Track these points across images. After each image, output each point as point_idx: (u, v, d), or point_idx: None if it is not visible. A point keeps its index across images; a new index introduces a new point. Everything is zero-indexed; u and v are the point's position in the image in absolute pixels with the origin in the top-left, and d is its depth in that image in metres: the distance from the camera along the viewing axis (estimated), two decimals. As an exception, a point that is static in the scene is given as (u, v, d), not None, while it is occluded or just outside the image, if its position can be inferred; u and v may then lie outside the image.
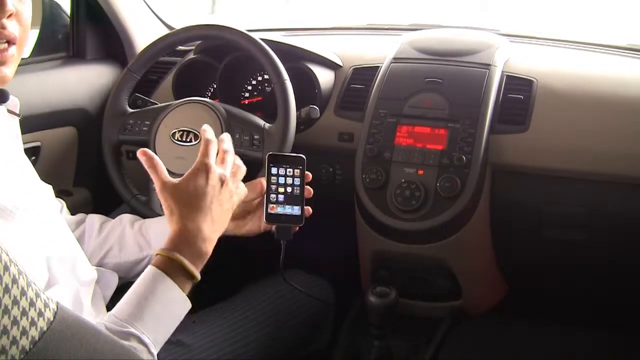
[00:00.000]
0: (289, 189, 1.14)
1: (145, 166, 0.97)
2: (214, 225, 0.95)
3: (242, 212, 1.17)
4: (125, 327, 0.84)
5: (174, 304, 0.90)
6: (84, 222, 1.18)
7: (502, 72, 1.42)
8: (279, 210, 1.13)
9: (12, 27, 0.88)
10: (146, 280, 0.89)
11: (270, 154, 1.15)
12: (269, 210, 1.13)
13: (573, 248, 1.41)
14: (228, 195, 0.98)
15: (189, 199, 0.94)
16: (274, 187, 1.13)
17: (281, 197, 1.13)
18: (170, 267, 0.90)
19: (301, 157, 1.15)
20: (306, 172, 1.15)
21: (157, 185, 0.96)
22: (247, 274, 1.34)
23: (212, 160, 0.97)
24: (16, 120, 0.99)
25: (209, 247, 0.94)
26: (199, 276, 0.92)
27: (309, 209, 1.15)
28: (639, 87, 1.40)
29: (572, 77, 1.44)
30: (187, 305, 0.92)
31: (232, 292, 1.28)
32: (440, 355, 1.32)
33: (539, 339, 1.32)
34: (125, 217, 1.20)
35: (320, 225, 1.26)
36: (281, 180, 1.14)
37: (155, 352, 0.86)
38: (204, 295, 1.25)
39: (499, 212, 1.39)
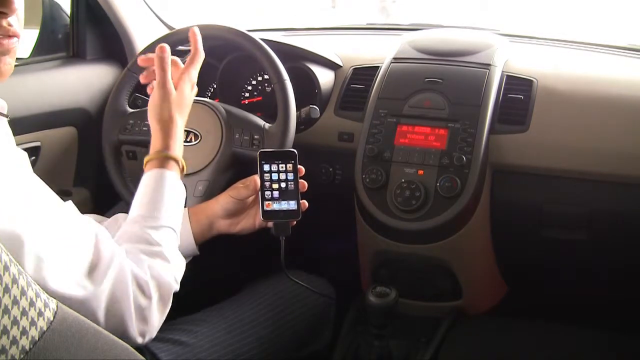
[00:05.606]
0: (283, 185, 1.13)
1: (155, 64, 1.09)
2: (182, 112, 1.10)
3: (237, 210, 1.17)
4: (157, 221, 0.95)
5: (180, 195, 1.03)
6: None
7: (502, 72, 1.42)
8: (275, 206, 1.13)
9: (15, 24, 0.90)
10: (153, 181, 1.00)
11: (260, 151, 1.15)
12: (265, 208, 1.13)
13: (573, 248, 1.41)
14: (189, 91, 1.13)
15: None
16: (267, 183, 1.13)
17: (276, 194, 1.13)
18: (166, 164, 1.02)
19: (292, 151, 1.15)
20: (299, 166, 1.15)
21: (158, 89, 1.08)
22: (247, 274, 1.34)
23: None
24: (4, 121, 1.00)
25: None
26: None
27: (305, 203, 1.15)
28: (639, 87, 1.40)
29: (572, 77, 1.44)
30: (184, 191, 1.05)
31: (232, 292, 1.28)
32: (440, 355, 1.32)
33: (539, 339, 1.32)
34: (121, 217, 1.19)
35: (321, 225, 1.26)
36: (274, 176, 1.14)
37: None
38: (204, 295, 1.25)
39: (499, 212, 1.39)
